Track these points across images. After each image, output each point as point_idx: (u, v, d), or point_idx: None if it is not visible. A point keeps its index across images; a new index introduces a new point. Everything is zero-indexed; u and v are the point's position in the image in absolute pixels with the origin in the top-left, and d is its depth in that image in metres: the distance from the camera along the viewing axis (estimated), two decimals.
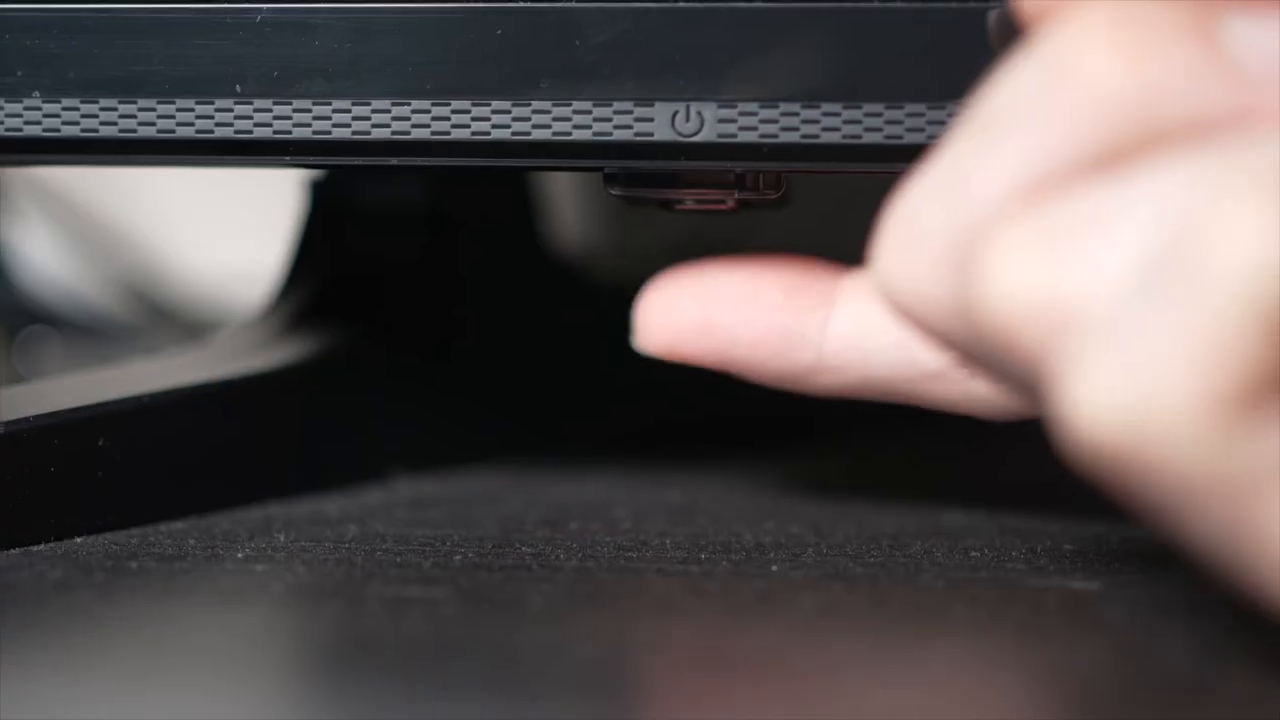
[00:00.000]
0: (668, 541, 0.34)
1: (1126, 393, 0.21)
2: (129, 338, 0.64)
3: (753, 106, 0.30)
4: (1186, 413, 0.21)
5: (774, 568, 0.32)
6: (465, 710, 0.24)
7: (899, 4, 0.29)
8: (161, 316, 0.67)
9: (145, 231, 0.72)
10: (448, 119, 0.31)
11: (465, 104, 0.31)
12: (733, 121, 0.30)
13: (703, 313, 0.31)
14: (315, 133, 0.31)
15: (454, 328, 0.42)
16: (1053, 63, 0.23)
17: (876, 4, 0.29)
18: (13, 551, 0.32)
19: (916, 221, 0.24)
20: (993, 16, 0.28)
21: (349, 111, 0.31)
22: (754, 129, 0.30)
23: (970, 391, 0.30)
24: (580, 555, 0.33)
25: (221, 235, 0.70)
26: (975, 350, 0.24)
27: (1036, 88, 0.23)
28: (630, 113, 0.30)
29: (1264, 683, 0.25)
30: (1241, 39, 0.23)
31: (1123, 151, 0.23)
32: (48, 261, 0.69)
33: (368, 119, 0.31)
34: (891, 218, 0.25)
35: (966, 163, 0.24)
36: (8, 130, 0.32)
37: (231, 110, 0.31)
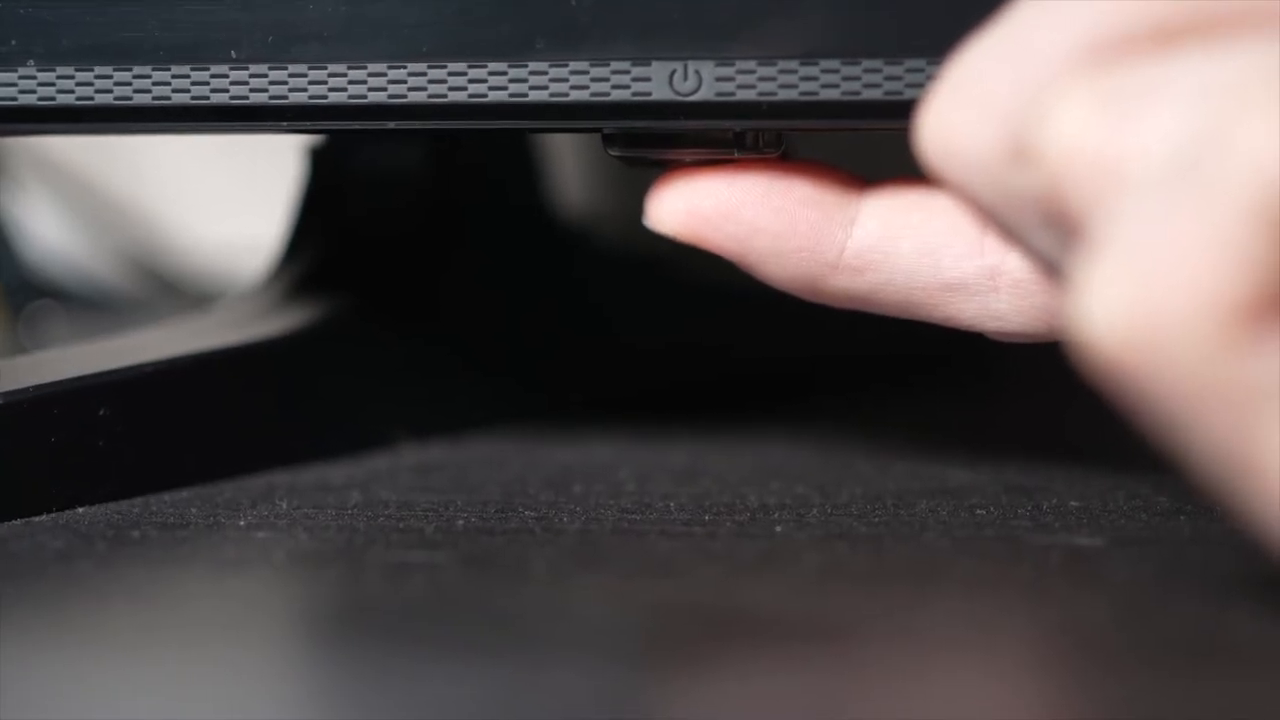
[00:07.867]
0: (672, 504, 0.34)
1: (1138, 296, 0.22)
2: (135, 311, 0.64)
3: (751, 64, 0.30)
4: (1194, 319, 0.21)
5: (778, 528, 0.32)
6: (466, 674, 0.24)
7: None
8: (167, 289, 0.67)
9: (150, 204, 0.71)
10: (444, 82, 0.31)
11: (462, 66, 0.31)
12: (731, 80, 0.30)
13: (729, 197, 0.30)
14: (312, 97, 0.31)
15: (456, 292, 0.42)
16: None
17: None
18: (14, 522, 0.32)
19: (977, 80, 0.25)
20: None
21: (345, 75, 0.31)
22: (752, 87, 0.30)
23: (987, 306, 0.30)
24: (583, 518, 0.32)
25: (227, 207, 0.69)
26: (1013, 213, 0.25)
27: None
28: (627, 72, 0.30)
29: (1268, 639, 0.25)
30: None
31: (1179, 30, 0.23)
32: (52, 236, 0.69)
33: (364, 83, 0.31)
34: (948, 77, 0.26)
35: (1031, 27, 0.25)
36: (2, 100, 0.32)
37: (227, 76, 0.31)
